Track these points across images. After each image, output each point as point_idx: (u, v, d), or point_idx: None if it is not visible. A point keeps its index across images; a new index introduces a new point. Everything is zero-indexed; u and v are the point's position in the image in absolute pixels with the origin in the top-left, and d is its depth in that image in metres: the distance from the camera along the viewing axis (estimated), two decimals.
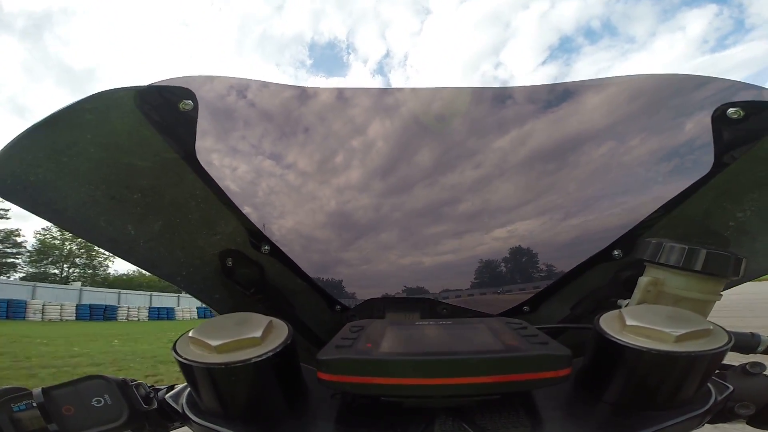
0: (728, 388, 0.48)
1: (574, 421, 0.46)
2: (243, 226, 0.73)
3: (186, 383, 0.53)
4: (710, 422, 0.48)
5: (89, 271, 45.55)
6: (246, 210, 0.72)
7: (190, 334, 0.48)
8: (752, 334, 0.58)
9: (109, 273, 47.05)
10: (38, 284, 27.28)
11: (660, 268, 0.57)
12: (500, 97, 0.74)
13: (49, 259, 42.65)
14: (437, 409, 0.46)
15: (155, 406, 0.55)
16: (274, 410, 0.49)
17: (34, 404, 0.50)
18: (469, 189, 0.80)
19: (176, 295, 33.95)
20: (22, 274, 40.54)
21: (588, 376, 0.51)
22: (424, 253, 0.83)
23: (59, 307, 22.98)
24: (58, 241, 41.89)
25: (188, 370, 0.45)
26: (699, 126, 0.62)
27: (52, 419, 0.50)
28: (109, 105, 0.54)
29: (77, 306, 24.31)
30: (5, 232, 39.56)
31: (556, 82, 0.75)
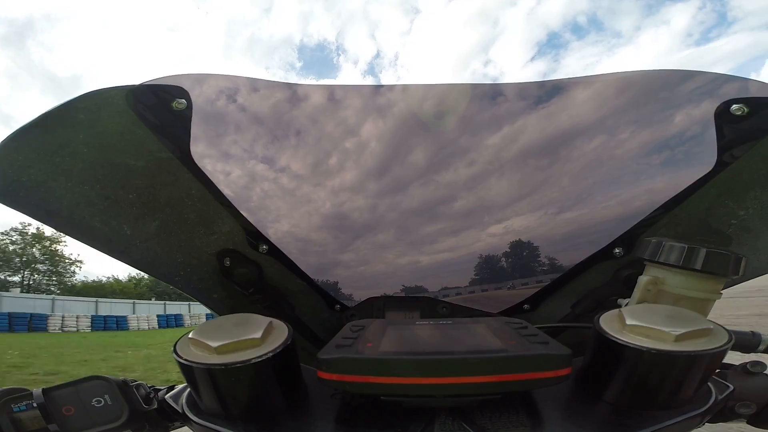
0: (729, 387, 0.48)
1: (574, 421, 0.46)
2: (240, 226, 0.73)
3: (186, 383, 0.53)
4: (711, 421, 0.48)
5: (54, 279, 40.11)
6: (243, 209, 0.72)
7: (191, 335, 0.48)
8: (753, 333, 0.58)
9: (76, 280, 41.83)
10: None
11: (660, 267, 0.57)
12: (506, 92, 0.73)
13: (9, 266, 37.11)
14: (437, 408, 0.46)
15: (155, 406, 0.55)
16: (274, 410, 0.49)
17: (35, 405, 0.50)
18: (465, 186, 0.80)
19: (130, 302, 32.14)
20: None
21: (588, 375, 0.51)
22: (423, 252, 0.83)
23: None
24: (18, 246, 37.33)
25: (188, 370, 0.45)
26: (701, 123, 0.61)
27: (53, 419, 0.50)
28: (100, 104, 0.53)
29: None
30: None
31: (556, 78, 0.74)
